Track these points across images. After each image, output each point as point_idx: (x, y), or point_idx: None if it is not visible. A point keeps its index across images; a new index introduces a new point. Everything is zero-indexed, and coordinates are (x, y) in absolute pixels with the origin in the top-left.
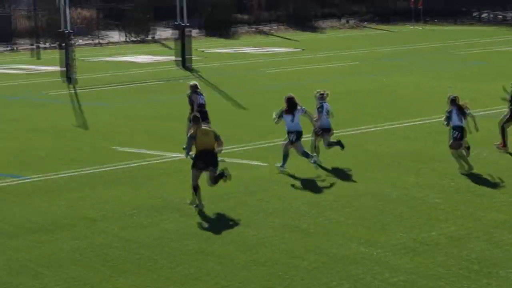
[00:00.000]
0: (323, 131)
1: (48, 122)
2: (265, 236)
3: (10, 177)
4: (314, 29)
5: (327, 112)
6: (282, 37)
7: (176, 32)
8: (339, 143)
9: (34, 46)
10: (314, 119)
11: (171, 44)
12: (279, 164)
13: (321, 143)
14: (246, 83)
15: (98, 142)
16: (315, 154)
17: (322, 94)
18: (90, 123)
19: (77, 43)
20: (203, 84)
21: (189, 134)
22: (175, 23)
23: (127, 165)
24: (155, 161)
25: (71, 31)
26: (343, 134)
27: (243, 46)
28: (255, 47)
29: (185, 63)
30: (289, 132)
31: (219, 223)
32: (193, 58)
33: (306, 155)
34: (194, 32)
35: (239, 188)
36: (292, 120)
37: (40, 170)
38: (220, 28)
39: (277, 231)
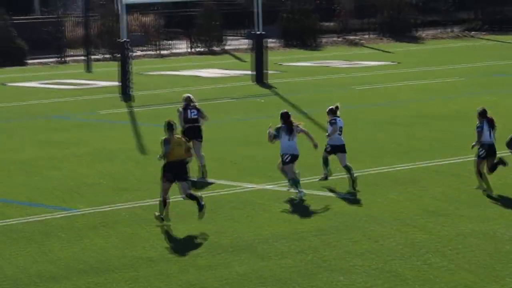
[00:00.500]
0: (336, 149)
1: (100, 146)
2: (355, 282)
3: (58, 209)
4: (411, 39)
5: (340, 128)
6: (373, 49)
7: (250, 42)
8: (351, 176)
9: (86, 58)
10: (328, 133)
11: (244, 56)
12: (290, 189)
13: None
14: (330, 102)
15: (157, 169)
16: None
17: (332, 108)
18: (148, 147)
19: (134, 54)
20: (280, 102)
21: (164, 138)
22: (249, 31)
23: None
24: (223, 192)
25: (127, 40)
26: (445, 163)
27: (327, 59)
28: (342, 60)
29: (260, 78)
30: (284, 154)
31: (300, 266)
32: (269, 72)
33: (294, 182)
34: (271, 42)
35: (323, 225)
36: (290, 139)
37: (92, 201)
38: (301, 37)
39: (370, 277)
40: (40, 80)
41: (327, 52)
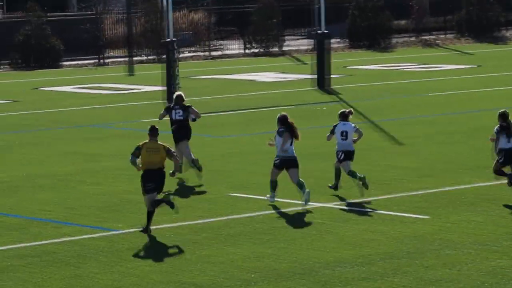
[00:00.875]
0: (346, 155)
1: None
2: None
3: (95, 229)
4: (494, 40)
5: (344, 133)
6: (451, 50)
7: (312, 42)
8: (363, 181)
9: (127, 59)
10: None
11: (304, 58)
12: (303, 199)
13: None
14: (401, 111)
15: (206, 185)
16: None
17: (344, 112)
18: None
19: (181, 56)
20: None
21: (136, 146)
22: (311, 30)
23: (242, 216)
24: (280, 211)
25: (174, 39)
26: None
27: (399, 61)
28: (415, 63)
29: (323, 83)
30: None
31: None
32: (333, 76)
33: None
34: (335, 42)
35: (392, 248)
36: (291, 144)
37: (134, 220)
38: (369, 37)
39: None
40: (76, 84)
41: (399, 54)
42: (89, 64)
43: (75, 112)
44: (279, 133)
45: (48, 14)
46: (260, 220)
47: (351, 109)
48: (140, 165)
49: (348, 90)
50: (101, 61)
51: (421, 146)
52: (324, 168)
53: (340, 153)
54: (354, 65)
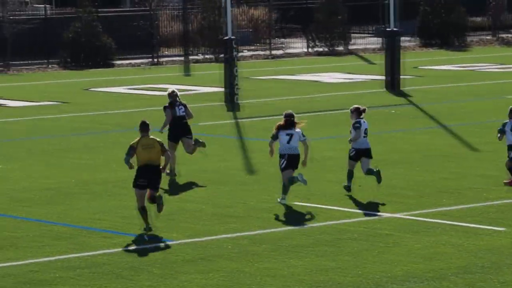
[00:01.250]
0: (360, 153)
1: (200, 165)
2: None
3: (151, 239)
4: None
5: (366, 131)
6: None
7: (381, 40)
8: (378, 173)
9: (183, 59)
10: (352, 138)
11: (373, 57)
12: (279, 199)
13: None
14: (476, 115)
15: (268, 194)
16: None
17: (358, 109)
18: (257, 167)
19: (240, 54)
20: (417, 113)
21: (130, 144)
22: (380, 27)
23: (305, 226)
24: (346, 221)
25: (233, 37)
26: None
27: (475, 61)
28: (493, 63)
29: (393, 85)
30: (281, 156)
31: None
32: (403, 77)
33: (291, 181)
34: (406, 40)
35: (466, 262)
36: (288, 142)
37: (190, 230)
38: (443, 35)
39: None
40: (128, 85)
41: (475, 53)
42: (142, 63)
43: (128, 115)
44: (355, 127)
45: (99, 10)
46: (323, 230)
47: (365, 107)
48: (133, 164)
49: (419, 92)
50: (155, 60)
51: (498, 152)
52: (393, 176)
53: (353, 150)
54: (425, 65)
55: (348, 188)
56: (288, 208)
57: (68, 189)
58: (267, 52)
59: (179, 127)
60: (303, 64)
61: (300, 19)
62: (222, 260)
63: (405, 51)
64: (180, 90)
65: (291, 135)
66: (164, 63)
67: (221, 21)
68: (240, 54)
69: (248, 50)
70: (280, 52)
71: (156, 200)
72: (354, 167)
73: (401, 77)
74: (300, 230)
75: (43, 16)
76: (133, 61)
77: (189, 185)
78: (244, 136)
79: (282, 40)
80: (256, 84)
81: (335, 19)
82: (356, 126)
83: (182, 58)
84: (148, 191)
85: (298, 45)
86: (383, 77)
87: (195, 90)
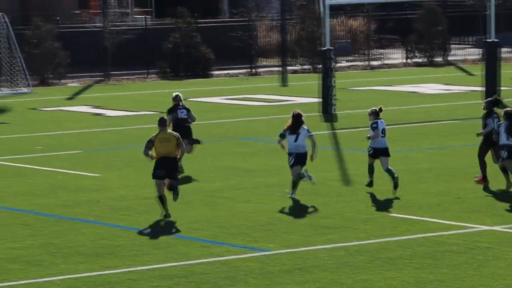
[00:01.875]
0: (378, 152)
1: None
2: None
3: (246, 249)
4: None
5: (383, 131)
6: None
7: (481, 51)
8: (396, 179)
9: (281, 69)
10: (370, 136)
11: (472, 68)
12: (289, 192)
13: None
14: None
15: (364, 203)
16: (305, 169)
17: (375, 110)
18: (352, 177)
19: (338, 65)
20: None
21: (148, 139)
22: (480, 38)
23: (402, 238)
24: (444, 233)
25: (331, 48)
26: None
27: None
28: None
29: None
30: (289, 154)
31: None
32: (504, 89)
33: (299, 177)
34: (507, 52)
35: None
36: (295, 140)
37: (286, 241)
38: None
39: None
40: (226, 95)
41: None
42: (240, 73)
43: (225, 125)
44: (373, 127)
45: (198, 20)
46: (421, 243)
47: (381, 106)
48: (154, 155)
49: None
50: (253, 70)
51: None
52: (491, 188)
53: (371, 149)
54: None
55: (370, 183)
56: (386, 220)
57: None
58: (365, 63)
59: (180, 128)
60: (401, 75)
61: (399, 30)
62: (318, 271)
63: (505, 63)
64: (276, 101)
65: (297, 134)
66: (261, 73)
67: (319, 32)
68: (337, 64)
69: (346, 61)
70: (378, 63)
71: (173, 189)
72: (373, 163)
73: (502, 88)
74: (397, 242)
75: (143, 27)
76: (231, 71)
77: (285, 196)
78: (341, 146)
79: (380, 51)
80: (353, 95)
81: (435, 29)
82: (374, 126)
83: (279, 69)
84: (166, 181)
85: (396, 56)
86: (483, 89)
87: (292, 100)
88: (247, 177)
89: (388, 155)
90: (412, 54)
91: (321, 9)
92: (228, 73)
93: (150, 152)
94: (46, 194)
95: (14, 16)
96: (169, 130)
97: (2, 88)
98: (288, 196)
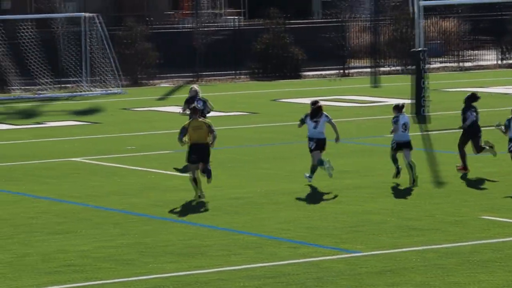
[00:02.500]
0: (401, 145)
1: (386, 176)
2: None
3: (335, 250)
4: None
5: (404, 125)
6: None
7: None
8: (413, 172)
9: (372, 70)
10: (392, 130)
11: None
12: (307, 174)
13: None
14: None
15: (455, 205)
16: (328, 160)
17: (398, 105)
18: (445, 180)
19: (430, 66)
20: None
21: (183, 125)
22: None
23: (495, 241)
24: None
25: (424, 49)
26: None
27: None
28: None
29: None
30: (310, 139)
31: None
32: None
33: (320, 163)
34: None
35: None
36: (315, 127)
37: (376, 242)
38: None
39: None
40: (317, 96)
41: None
42: (331, 74)
43: None
44: (393, 122)
45: (289, 21)
46: (510, 245)
47: (404, 102)
48: (186, 140)
49: None
50: (345, 71)
51: None
52: None
53: (394, 143)
54: None
55: (397, 171)
56: (477, 222)
57: (254, 199)
58: (458, 64)
59: None
60: (494, 77)
61: (492, 31)
62: (408, 273)
63: None
64: (368, 102)
65: (317, 122)
66: (353, 74)
67: (412, 33)
68: (429, 66)
69: (439, 62)
70: (470, 64)
71: (206, 172)
72: (395, 156)
73: None
74: (488, 244)
75: (234, 28)
76: (322, 72)
77: (376, 197)
78: (432, 148)
79: (474, 52)
80: (444, 96)
81: None
82: (394, 121)
83: (370, 70)
84: (200, 164)
85: (489, 57)
86: None
87: (383, 101)
88: (337, 179)
89: (410, 148)
90: (506, 55)
91: (414, 10)
92: (319, 74)
93: (184, 138)
94: (137, 193)
95: (107, 17)
96: (201, 119)
97: (94, 88)
98: (305, 177)
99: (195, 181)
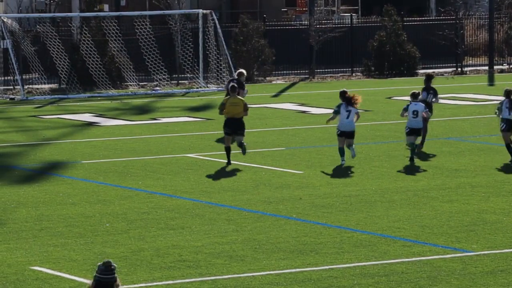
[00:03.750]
0: (413, 132)
1: (502, 177)
2: None
3: (449, 249)
4: None
5: (414, 112)
6: None
7: None
8: (414, 150)
9: (488, 68)
10: (401, 114)
11: None
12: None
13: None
14: None
15: None
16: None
17: (414, 93)
18: None
19: None
20: None
21: (221, 101)
22: None
23: None
24: None
25: None
26: None
27: None
28: None
29: None
30: (340, 128)
31: None
32: None
33: (348, 145)
34: None
35: None
36: (347, 117)
37: (490, 242)
38: None
39: None
40: None
41: None
42: (446, 72)
43: (431, 124)
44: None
45: (405, 19)
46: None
47: (419, 91)
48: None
49: None
50: (460, 69)
51: None
52: None
53: (408, 128)
54: None
55: (411, 147)
56: None
57: (368, 197)
58: None
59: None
60: None
61: None
62: (489, 276)
63: None
64: (483, 100)
65: (349, 111)
66: (468, 72)
67: None
68: None
69: None
70: None
71: (241, 145)
72: (411, 140)
73: None
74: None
75: (349, 25)
76: (437, 70)
77: (490, 196)
78: None
79: None
80: None
81: None
82: (404, 108)
83: (486, 68)
84: (236, 138)
85: None
86: None
87: (499, 100)
88: (452, 177)
89: (419, 134)
90: None
91: None
92: (434, 72)
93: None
94: (249, 190)
95: (222, 13)
96: (239, 97)
97: (209, 85)
98: (341, 163)
99: (228, 149)
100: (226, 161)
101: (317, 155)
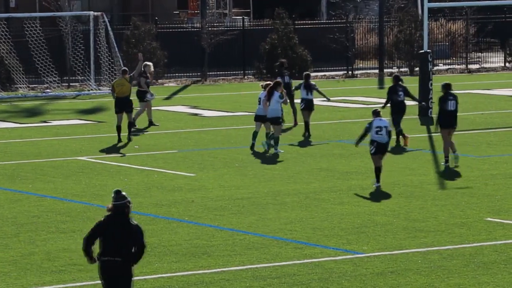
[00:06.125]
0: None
1: (393, 178)
2: None
3: (340, 251)
4: None
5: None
6: None
7: None
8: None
9: (378, 72)
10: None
11: None
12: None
13: None
14: None
15: (459, 207)
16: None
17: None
18: (450, 182)
19: (435, 68)
20: None
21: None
22: None
23: (498, 243)
24: None
25: (429, 51)
26: None
27: None
28: None
29: None
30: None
31: None
32: None
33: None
34: None
35: None
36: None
37: (380, 243)
38: None
39: None
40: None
41: None
42: (337, 75)
43: (322, 126)
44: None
45: (296, 22)
46: None
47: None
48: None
49: None
50: (350, 72)
51: None
52: None
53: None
54: None
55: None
56: (482, 224)
57: (260, 199)
58: (463, 66)
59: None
60: (500, 79)
61: (498, 33)
62: (412, 274)
63: None
64: (374, 103)
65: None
66: (358, 75)
67: (418, 35)
68: (435, 68)
69: (444, 64)
70: (476, 66)
71: (131, 124)
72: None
73: None
74: (491, 246)
75: (241, 28)
76: (327, 73)
77: (380, 198)
78: (438, 150)
79: (479, 54)
80: None
81: None
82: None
83: (377, 71)
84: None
85: (495, 60)
86: None
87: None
88: (343, 179)
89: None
90: (510, 58)
91: (420, 12)
92: (324, 75)
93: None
94: (141, 193)
95: (114, 16)
96: (125, 76)
97: (101, 87)
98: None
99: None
100: (117, 164)
101: (210, 157)
